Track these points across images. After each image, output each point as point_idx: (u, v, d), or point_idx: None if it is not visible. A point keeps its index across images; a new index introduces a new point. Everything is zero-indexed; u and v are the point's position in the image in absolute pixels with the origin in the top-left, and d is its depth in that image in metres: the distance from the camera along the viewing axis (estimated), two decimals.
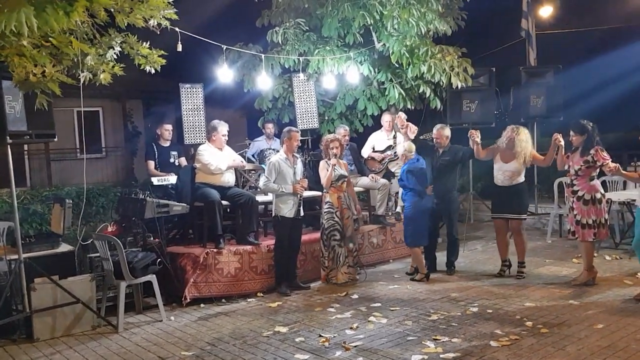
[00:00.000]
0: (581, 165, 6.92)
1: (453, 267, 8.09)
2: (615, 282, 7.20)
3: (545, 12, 14.62)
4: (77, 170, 13.53)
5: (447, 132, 7.98)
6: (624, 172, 6.63)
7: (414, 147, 7.78)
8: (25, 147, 13.87)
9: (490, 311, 6.25)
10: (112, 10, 5.19)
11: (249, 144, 10.04)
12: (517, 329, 5.65)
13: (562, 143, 7.14)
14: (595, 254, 7.88)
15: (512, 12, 14.00)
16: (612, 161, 6.70)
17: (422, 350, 5.20)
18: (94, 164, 15.21)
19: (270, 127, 10.35)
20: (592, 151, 6.85)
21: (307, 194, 8.32)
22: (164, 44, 6.29)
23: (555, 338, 5.35)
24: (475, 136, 7.63)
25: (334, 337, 5.68)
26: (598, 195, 6.93)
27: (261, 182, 7.55)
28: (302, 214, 7.57)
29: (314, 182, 8.65)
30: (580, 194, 6.96)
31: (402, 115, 8.38)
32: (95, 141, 16.01)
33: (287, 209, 7.41)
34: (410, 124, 8.36)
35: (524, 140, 7.48)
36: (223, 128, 7.89)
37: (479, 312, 6.25)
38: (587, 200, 6.92)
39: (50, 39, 4.27)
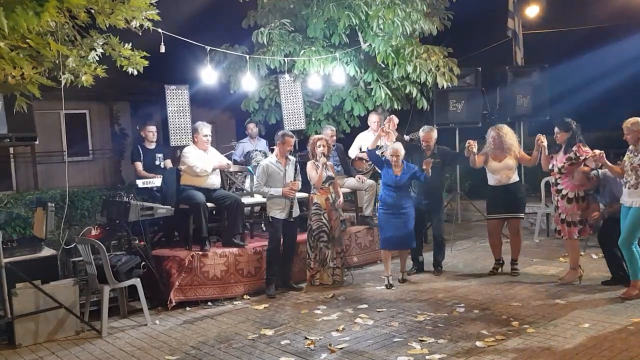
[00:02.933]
0: (564, 163, 6.96)
1: (440, 267, 8.08)
2: (601, 281, 7.18)
3: (532, 11, 14.66)
4: (63, 173, 13.36)
5: (435, 134, 7.96)
6: (608, 162, 6.62)
7: (398, 149, 7.69)
8: (11, 150, 13.75)
9: (476, 311, 6.24)
10: (93, 11, 5.15)
11: (235, 145, 9.98)
12: (504, 329, 5.64)
13: (545, 144, 7.19)
14: (583, 253, 7.92)
15: (499, 12, 14.04)
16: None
17: (407, 352, 5.18)
18: (80, 167, 15.09)
19: (252, 127, 10.32)
20: (574, 147, 6.90)
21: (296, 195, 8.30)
22: (150, 45, 6.25)
23: (541, 338, 5.35)
24: (473, 147, 7.56)
25: (320, 339, 5.65)
26: (581, 193, 6.97)
27: (254, 185, 7.54)
28: (294, 215, 7.52)
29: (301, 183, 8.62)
30: (564, 192, 6.99)
31: (395, 119, 8.31)
32: (82, 144, 15.89)
33: (278, 211, 7.40)
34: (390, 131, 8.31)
35: (509, 134, 7.59)
36: (204, 129, 7.82)
37: (465, 312, 6.24)
38: (571, 199, 6.95)
39: (27, 40, 4.21)
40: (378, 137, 7.94)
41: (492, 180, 7.69)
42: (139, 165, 8.82)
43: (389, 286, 7.42)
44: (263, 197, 7.60)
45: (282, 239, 7.53)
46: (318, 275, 7.68)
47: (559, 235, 7.23)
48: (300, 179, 7.71)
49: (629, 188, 6.33)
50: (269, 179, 7.41)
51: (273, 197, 7.39)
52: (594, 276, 7.39)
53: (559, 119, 7.25)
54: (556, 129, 7.11)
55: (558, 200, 7.07)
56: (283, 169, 7.50)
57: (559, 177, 7.04)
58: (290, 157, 7.69)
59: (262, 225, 8.67)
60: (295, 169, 7.65)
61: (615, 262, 6.92)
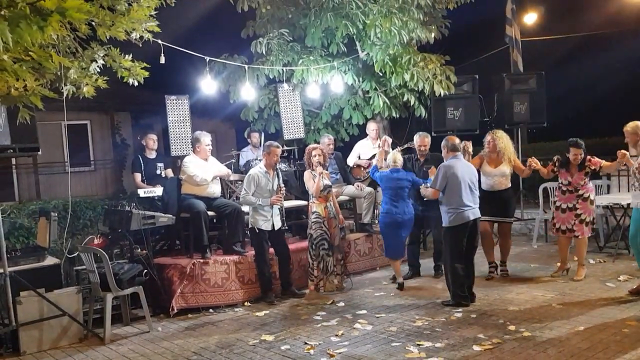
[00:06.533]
0: (583, 179, 7.44)
1: (440, 272, 8.14)
2: (598, 284, 7.28)
3: (529, 19, 14.80)
4: (65, 183, 13.43)
5: (430, 139, 8.18)
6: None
7: (398, 158, 7.78)
8: (13, 161, 13.84)
9: (474, 316, 6.31)
10: (94, 23, 5.25)
11: (236, 155, 10.06)
12: (500, 333, 5.71)
13: (539, 166, 7.66)
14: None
15: (496, 20, 14.14)
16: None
17: (405, 356, 5.25)
18: (82, 177, 15.19)
19: (256, 137, 10.39)
20: (586, 163, 7.39)
21: (293, 203, 8.39)
22: (150, 56, 6.34)
23: (536, 341, 5.42)
24: (468, 146, 7.69)
25: (319, 344, 5.72)
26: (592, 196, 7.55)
27: (241, 194, 7.62)
28: (281, 225, 7.59)
29: (301, 192, 8.70)
30: (585, 195, 7.48)
31: (389, 139, 8.51)
32: (84, 154, 15.99)
33: (264, 222, 7.48)
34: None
35: (503, 138, 7.79)
36: (206, 139, 7.93)
37: (463, 317, 6.31)
38: (592, 200, 7.51)
39: (30, 53, 4.30)
40: (381, 157, 8.10)
41: (485, 184, 7.81)
42: (138, 177, 8.90)
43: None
44: (250, 206, 7.59)
45: (269, 248, 7.59)
46: (322, 284, 7.72)
47: (569, 233, 7.59)
48: (284, 188, 7.75)
49: (635, 191, 6.65)
50: (257, 189, 7.49)
51: (260, 207, 7.45)
52: (591, 280, 7.47)
53: (573, 140, 7.52)
54: (574, 150, 7.43)
55: (578, 202, 7.46)
56: (271, 180, 7.58)
57: (579, 187, 7.48)
58: (275, 168, 7.69)
59: None
60: (279, 179, 7.67)
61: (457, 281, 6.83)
